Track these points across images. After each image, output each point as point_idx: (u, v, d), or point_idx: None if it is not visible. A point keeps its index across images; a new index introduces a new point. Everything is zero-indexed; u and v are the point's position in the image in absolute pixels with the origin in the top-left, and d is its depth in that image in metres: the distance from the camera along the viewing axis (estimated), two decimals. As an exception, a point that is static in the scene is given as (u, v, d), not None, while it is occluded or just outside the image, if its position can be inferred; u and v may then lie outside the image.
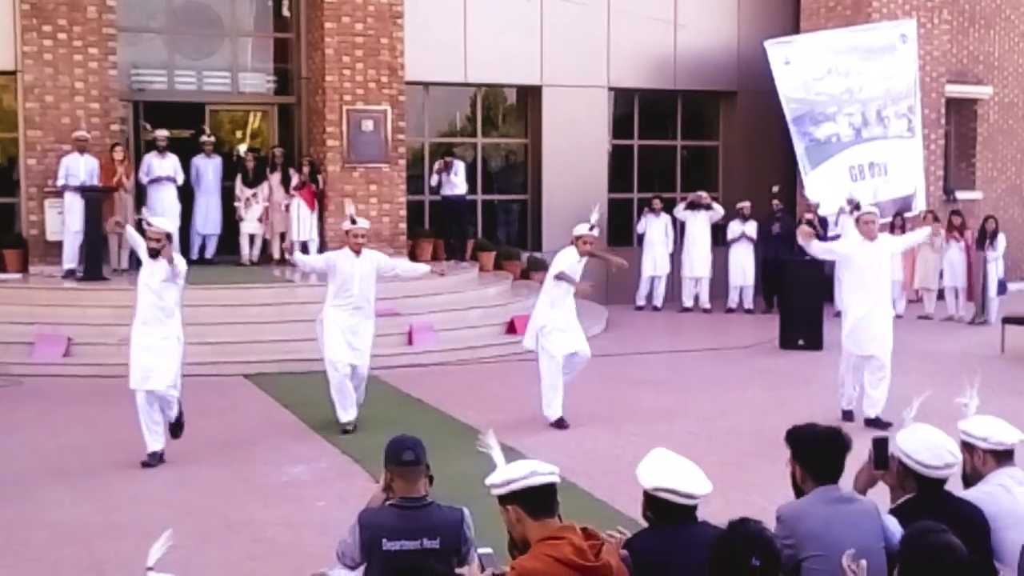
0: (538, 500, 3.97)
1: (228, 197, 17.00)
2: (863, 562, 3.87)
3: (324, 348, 10.18)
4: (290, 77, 18.14)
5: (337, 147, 16.83)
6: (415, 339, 14.04)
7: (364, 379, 10.37)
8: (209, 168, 16.97)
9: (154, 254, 8.96)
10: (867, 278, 10.39)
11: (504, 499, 4.00)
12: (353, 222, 10.29)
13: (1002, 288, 17.65)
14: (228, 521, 7.48)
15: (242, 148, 18.47)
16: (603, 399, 11.47)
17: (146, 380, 8.91)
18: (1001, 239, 17.58)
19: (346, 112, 16.77)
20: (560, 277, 10.38)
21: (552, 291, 10.48)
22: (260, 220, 16.95)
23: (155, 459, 8.94)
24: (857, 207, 10.76)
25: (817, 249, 10.81)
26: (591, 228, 10.51)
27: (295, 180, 16.68)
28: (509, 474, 4.01)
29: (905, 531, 3.91)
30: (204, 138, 17.16)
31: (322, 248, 16.87)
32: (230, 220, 17.10)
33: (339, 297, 10.13)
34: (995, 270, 17.52)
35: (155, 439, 8.98)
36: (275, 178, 16.85)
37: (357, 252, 10.12)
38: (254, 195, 16.83)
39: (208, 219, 16.98)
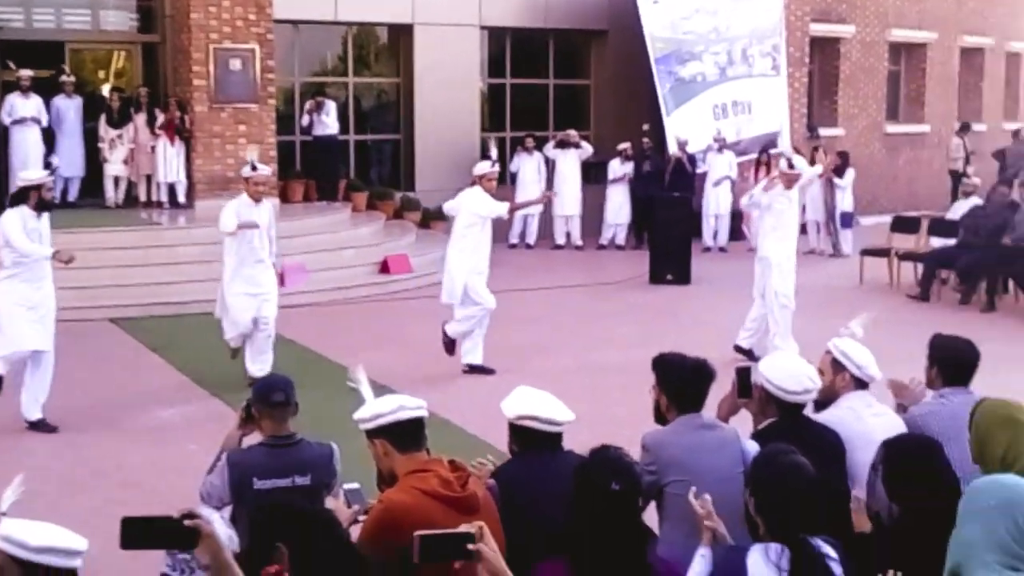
0: (406, 434, 3.98)
1: (90, 139, 16.52)
2: (707, 497, 4.00)
3: (227, 309, 9.67)
4: (154, 15, 17.60)
5: (204, 87, 16.43)
6: (287, 280, 13.84)
7: (271, 334, 9.83)
8: (70, 109, 16.45)
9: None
10: (783, 220, 10.67)
11: (372, 433, 4.01)
12: (254, 168, 9.78)
13: (846, 221, 18.04)
14: (95, 468, 7.38)
15: (105, 88, 17.92)
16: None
17: None
18: (849, 173, 18.02)
19: (213, 51, 16.36)
20: (513, 209, 10.73)
21: (471, 237, 10.19)
22: (125, 162, 16.53)
23: None
24: (790, 164, 10.99)
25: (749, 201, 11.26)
26: (493, 164, 10.36)
27: (160, 119, 16.29)
28: (377, 409, 4.02)
29: (756, 454, 4.05)
30: (64, 78, 16.60)
31: (190, 190, 16.60)
32: (93, 162, 16.65)
33: (241, 250, 9.61)
34: (841, 203, 17.94)
35: None
36: (140, 119, 16.41)
37: (257, 200, 9.65)
38: (119, 136, 16.39)
39: (70, 161, 16.48)
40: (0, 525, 2.94)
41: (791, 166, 10.74)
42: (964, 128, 23.62)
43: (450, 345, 10.32)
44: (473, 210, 10.13)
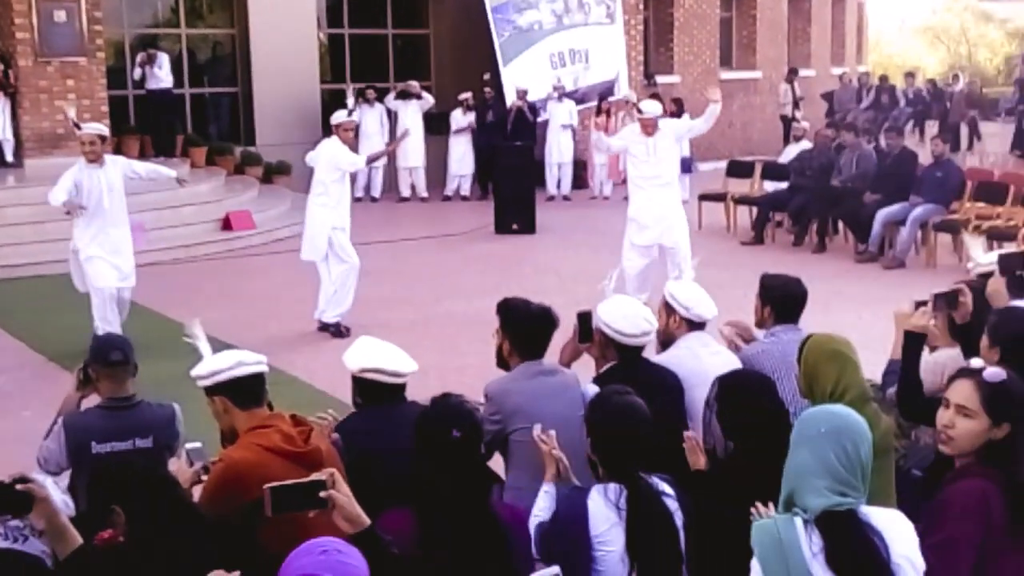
0: (245, 391, 3.94)
1: (-92, 96, 15.75)
2: (552, 432, 4.09)
3: (88, 278, 9.11)
4: (-31, -36, 16.81)
5: (28, 39, 15.77)
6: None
7: (128, 302, 9.44)
8: None
9: None
10: (640, 169, 10.34)
11: (211, 390, 3.96)
12: (77, 127, 9.10)
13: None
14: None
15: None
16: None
17: None
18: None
19: (35, 2, 15.71)
20: (370, 160, 10.85)
21: (333, 191, 9.94)
22: (-55, 119, 15.83)
23: None
24: (638, 110, 10.82)
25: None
26: (350, 114, 10.21)
27: (-18, 75, 15.62)
28: (215, 365, 3.96)
29: (592, 396, 4.14)
30: None
31: (18, 148, 15.97)
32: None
33: (94, 218, 9.01)
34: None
35: None
36: (-39, 74, 15.71)
37: (95, 161, 8.97)
38: (-64, 93, 15.68)
39: None
40: None
41: (639, 111, 10.58)
42: (792, 73, 24.29)
43: (336, 329, 9.90)
44: (333, 163, 9.87)
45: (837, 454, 3.00)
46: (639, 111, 10.66)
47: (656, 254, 10.43)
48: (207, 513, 3.55)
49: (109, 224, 9.06)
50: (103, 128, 9.57)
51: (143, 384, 4.81)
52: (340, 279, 9.96)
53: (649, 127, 10.18)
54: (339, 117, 10.09)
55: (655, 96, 18.79)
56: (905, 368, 4.25)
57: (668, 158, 10.38)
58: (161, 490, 3.32)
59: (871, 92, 25.60)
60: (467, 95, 18.77)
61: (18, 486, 2.86)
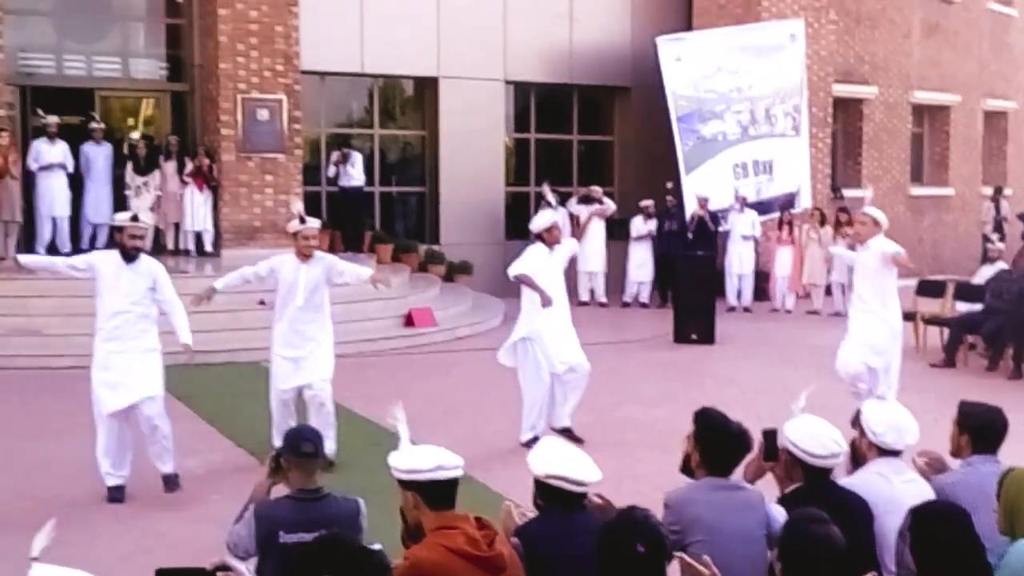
0: (439, 493, 3.99)
1: (119, 185, 16.69)
2: (706, 557, 3.98)
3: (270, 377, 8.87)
4: (183, 64, 17.86)
5: (232, 136, 16.63)
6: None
7: (326, 407, 8.67)
8: (99, 155, 16.64)
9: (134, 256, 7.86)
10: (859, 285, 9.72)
11: (405, 484, 4.02)
12: (302, 221, 8.74)
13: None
14: (120, 515, 7.38)
15: (133, 135, 18.14)
16: (502, 391, 11.50)
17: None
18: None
19: (241, 101, 16.57)
20: (521, 280, 9.30)
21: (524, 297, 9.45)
22: (152, 209, 16.66)
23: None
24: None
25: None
26: (555, 206, 10.04)
27: (189, 167, 16.45)
28: (415, 463, 4.02)
29: (788, 517, 4.01)
30: (93, 124, 16.80)
31: (217, 238, 16.71)
32: (121, 209, 16.77)
33: (283, 311, 8.72)
34: None
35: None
36: (170, 166, 16.60)
37: (307, 257, 8.66)
38: (145, 184, 16.55)
39: (98, 208, 16.63)
40: (32, 571, 2.98)
41: (850, 222, 10.05)
42: (997, 192, 23.60)
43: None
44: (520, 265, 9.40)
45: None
46: (849, 222, 9.94)
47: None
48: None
49: (299, 322, 8.65)
50: (319, 223, 9.24)
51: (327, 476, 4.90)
52: (533, 392, 9.53)
53: (864, 236, 9.55)
54: (545, 221, 9.60)
55: (843, 210, 18.54)
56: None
57: (872, 275, 9.57)
58: (381, 570, 3.32)
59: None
60: (648, 202, 18.83)
61: (219, 573, 2.93)
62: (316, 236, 8.82)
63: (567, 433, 9.45)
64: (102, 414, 7.80)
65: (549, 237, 9.36)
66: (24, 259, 8.63)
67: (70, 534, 6.99)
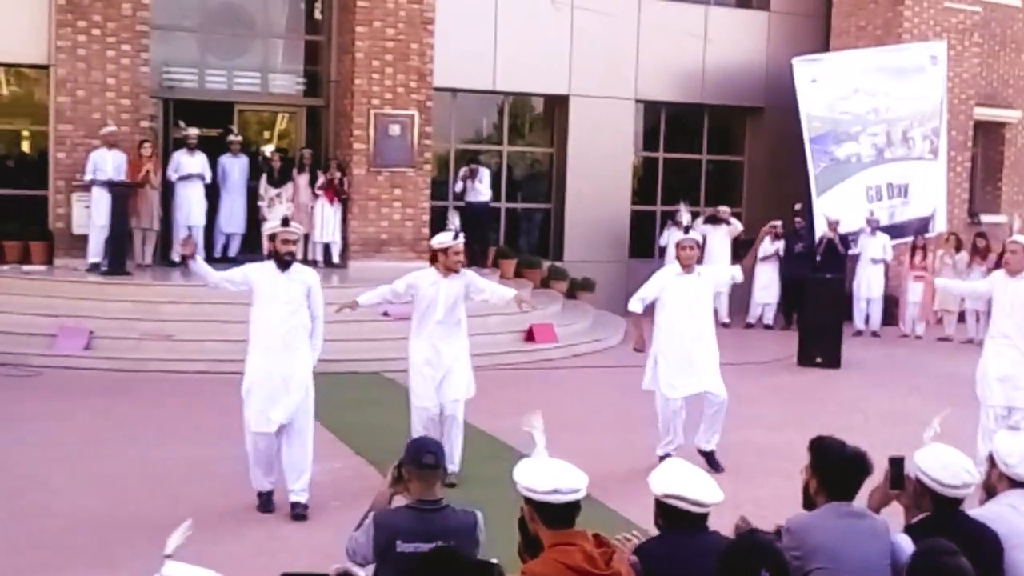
0: (556, 514, 3.98)
1: (253, 197, 17.10)
2: None
3: (410, 391, 8.78)
4: (319, 79, 18.25)
5: (363, 150, 16.91)
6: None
7: (457, 422, 8.71)
8: (235, 167, 17.06)
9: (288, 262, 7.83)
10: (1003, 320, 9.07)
11: (525, 498, 4.03)
12: (456, 236, 8.66)
13: None
14: (242, 518, 7.54)
15: (268, 148, 18.58)
16: (621, 409, 11.48)
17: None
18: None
19: (374, 116, 16.84)
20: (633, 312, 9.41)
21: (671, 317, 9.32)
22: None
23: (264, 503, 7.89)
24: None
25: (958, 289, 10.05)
26: (686, 231, 9.88)
27: (321, 180, 16.77)
28: (533, 483, 4.01)
29: (917, 547, 3.91)
30: (232, 137, 17.26)
31: (344, 250, 17.00)
32: (254, 220, 17.21)
33: (422, 326, 8.68)
34: None
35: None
36: (303, 179, 16.93)
37: (449, 271, 8.59)
38: (278, 195, 16.90)
39: (232, 218, 17.07)
40: (165, 567, 3.07)
41: (988, 248, 9.45)
42: None
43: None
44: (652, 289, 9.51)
45: None
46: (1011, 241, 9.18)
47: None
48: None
49: (438, 337, 8.58)
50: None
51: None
52: (664, 414, 9.46)
53: (1015, 265, 8.89)
54: (691, 239, 9.74)
55: (980, 235, 18.02)
56: None
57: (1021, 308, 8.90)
58: None
59: None
60: (777, 223, 18.55)
61: None
62: (464, 252, 8.72)
63: (708, 457, 9.37)
64: (251, 429, 7.83)
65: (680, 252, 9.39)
66: (194, 265, 8.27)
67: (197, 534, 7.16)
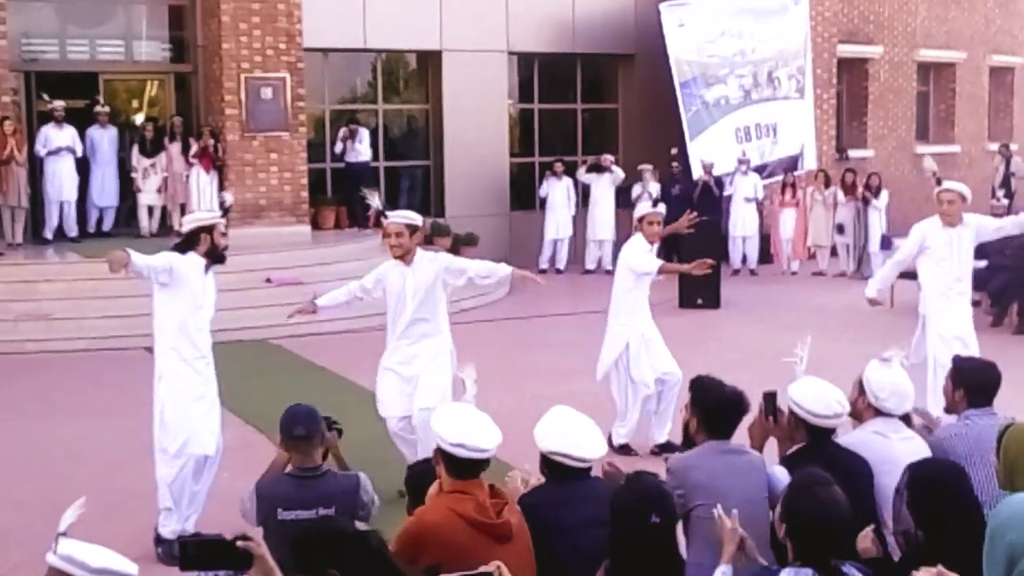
0: (460, 466, 4.06)
1: (125, 168, 16.75)
2: (735, 511, 4.04)
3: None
4: (186, 45, 17.85)
5: (236, 115, 16.65)
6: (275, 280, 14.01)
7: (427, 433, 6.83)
8: (104, 139, 16.69)
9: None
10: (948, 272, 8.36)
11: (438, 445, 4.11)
12: (384, 216, 7.61)
13: (886, 243, 17.99)
14: (133, 491, 7.48)
15: (139, 118, 18.17)
16: (507, 361, 11.60)
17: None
18: (883, 195, 17.99)
19: (244, 80, 16.58)
20: (660, 270, 8.64)
21: (631, 295, 8.75)
22: (159, 191, 16.73)
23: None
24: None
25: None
26: (655, 204, 9.35)
27: (194, 148, 16.49)
28: (443, 431, 4.09)
29: (792, 478, 4.05)
30: (98, 108, 16.85)
31: (223, 218, 16.72)
32: (127, 192, 16.87)
33: (393, 324, 7.53)
34: (877, 224, 17.90)
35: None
36: (175, 148, 16.62)
37: (400, 258, 7.41)
38: (152, 165, 16.60)
39: (104, 191, 16.72)
40: (60, 545, 3.05)
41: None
42: (1004, 148, 23.43)
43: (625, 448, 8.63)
44: (628, 265, 8.69)
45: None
46: (938, 183, 8.79)
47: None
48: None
49: (411, 338, 7.43)
50: (414, 217, 7.59)
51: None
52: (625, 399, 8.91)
53: (952, 217, 8.24)
54: (642, 209, 8.95)
55: (849, 171, 18.52)
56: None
57: (968, 260, 8.43)
58: (376, 553, 3.39)
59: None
60: (646, 166, 18.76)
61: (239, 543, 3.01)
62: (402, 232, 7.33)
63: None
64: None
65: (646, 227, 8.56)
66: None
67: (89, 511, 7.08)
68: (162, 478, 6.70)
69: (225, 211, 7.99)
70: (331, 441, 5.04)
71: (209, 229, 6.68)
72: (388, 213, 7.57)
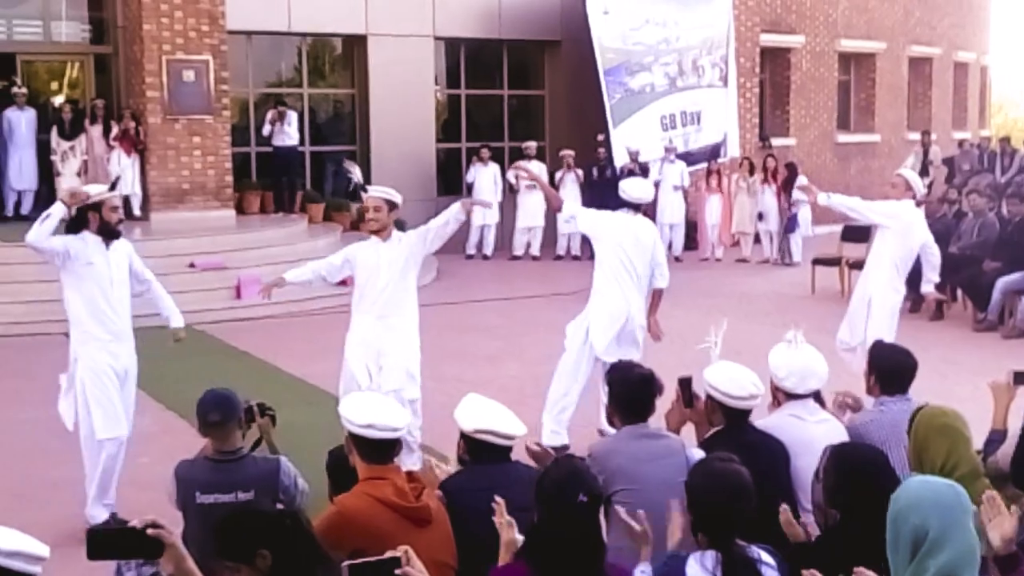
0: (372, 449, 4.06)
1: (44, 151, 16.44)
2: (640, 512, 4.06)
3: (341, 378, 7.36)
4: (106, 26, 17.55)
5: (157, 98, 16.39)
6: (243, 292, 13.88)
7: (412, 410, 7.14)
8: (22, 121, 16.39)
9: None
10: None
11: (347, 430, 4.10)
12: (364, 190, 7.42)
13: (791, 225, 18.12)
14: (47, 480, 7.38)
15: (58, 99, 17.84)
16: (432, 346, 11.46)
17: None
18: (800, 181, 18.18)
19: (166, 62, 16.33)
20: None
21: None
22: (79, 174, 16.45)
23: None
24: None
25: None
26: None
27: (115, 130, 16.24)
28: (351, 415, 4.08)
29: (694, 462, 4.12)
30: (16, 89, 16.52)
31: (145, 202, 16.54)
32: (47, 174, 16.57)
33: (362, 301, 7.30)
34: (798, 213, 18.12)
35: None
36: (96, 130, 16.36)
37: (377, 233, 7.22)
38: (71, 148, 16.32)
39: (23, 174, 16.43)
40: None
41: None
42: (925, 135, 23.80)
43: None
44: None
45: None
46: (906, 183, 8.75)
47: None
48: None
49: (379, 311, 7.23)
50: (393, 193, 7.36)
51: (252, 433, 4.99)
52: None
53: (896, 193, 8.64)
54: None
55: (771, 157, 18.73)
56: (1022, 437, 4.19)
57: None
58: (300, 532, 3.37)
59: (995, 158, 25.06)
60: (568, 152, 18.81)
61: (149, 531, 2.97)
62: (381, 207, 7.15)
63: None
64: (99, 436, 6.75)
65: None
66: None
67: (3, 500, 6.98)
68: (92, 464, 6.61)
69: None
70: (264, 427, 5.03)
71: (97, 207, 6.55)
72: (368, 188, 7.48)
